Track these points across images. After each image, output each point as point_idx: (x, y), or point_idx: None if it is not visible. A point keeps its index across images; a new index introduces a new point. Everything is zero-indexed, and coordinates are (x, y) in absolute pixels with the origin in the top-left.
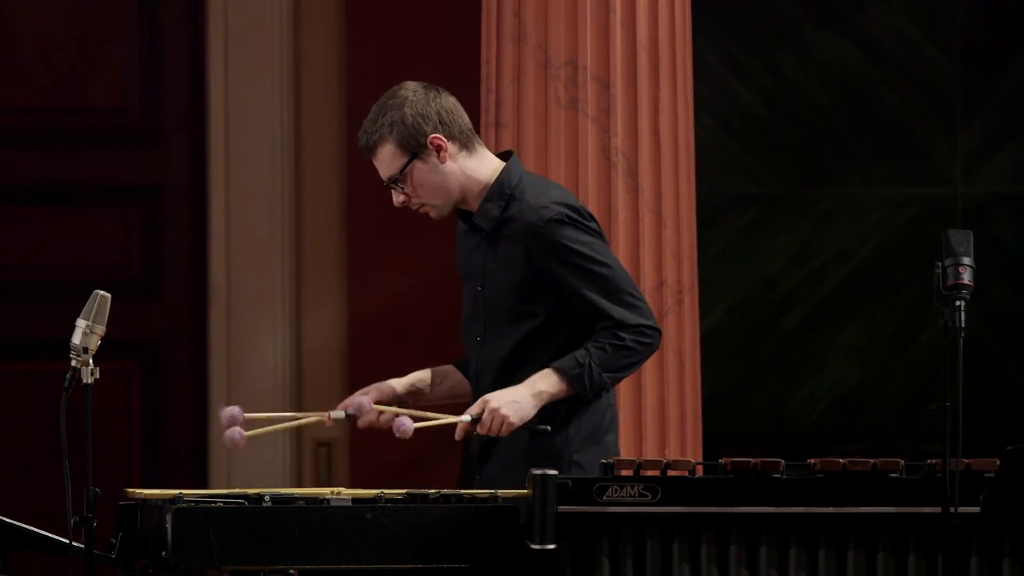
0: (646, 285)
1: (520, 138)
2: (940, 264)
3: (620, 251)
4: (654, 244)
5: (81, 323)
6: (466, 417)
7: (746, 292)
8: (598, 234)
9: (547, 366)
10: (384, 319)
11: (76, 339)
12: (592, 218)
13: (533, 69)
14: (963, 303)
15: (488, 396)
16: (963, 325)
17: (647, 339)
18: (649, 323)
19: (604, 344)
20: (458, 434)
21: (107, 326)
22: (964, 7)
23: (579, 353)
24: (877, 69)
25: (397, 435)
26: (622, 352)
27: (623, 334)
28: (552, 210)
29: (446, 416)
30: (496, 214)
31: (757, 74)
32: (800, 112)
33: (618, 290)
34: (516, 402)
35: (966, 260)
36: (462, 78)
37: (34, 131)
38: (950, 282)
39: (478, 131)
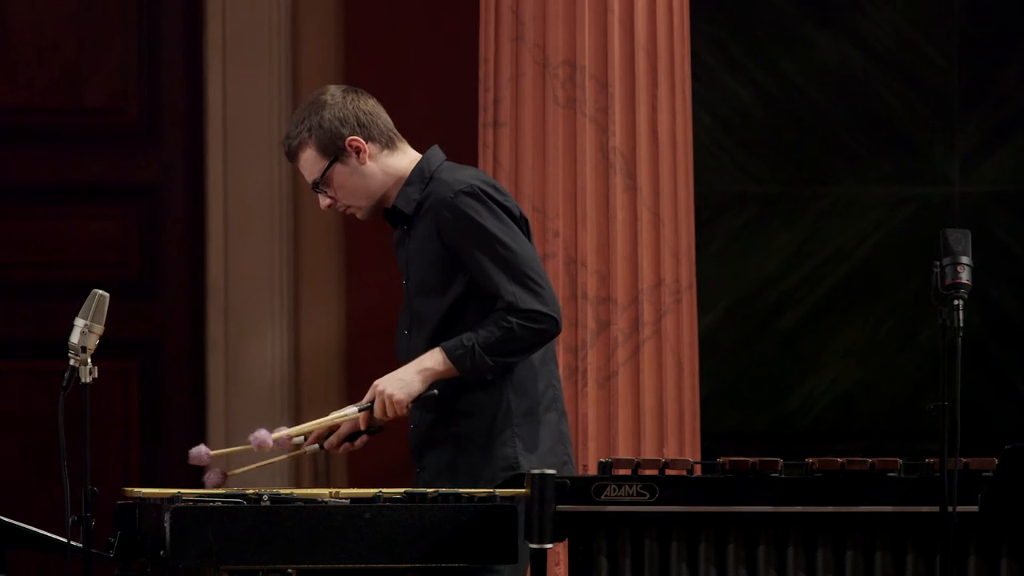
0: (644, 284)
1: (518, 137)
2: (938, 263)
3: (618, 250)
4: (652, 243)
5: (79, 322)
6: (353, 409)
7: (744, 291)
8: (509, 212)
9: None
10: (382, 319)
11: (74, 338)
12: (507, 197)
13: (531, 68)
14: (961, 302)
15: (377, 381)
16: (961, 324)
17: (536, 324)
18: (542, 309)
19: (492, 327)
20: (362, 423)
21: (105, 325)
22: (962, 7)
23: (467, 334)
24: (875, 68)
25: (255, 449)
26: (508, 336)
27: (511, 318)
28: (464, 184)
29: (335, 413)
30: (417, 196)
31: (755, 73)
32: (798, 111)
33: (518, 271)
34: (401, 380)
35: (964, 259)
36: (460, 77)
37: (32, 130)
38: (948, 281)
39: (476, 130)
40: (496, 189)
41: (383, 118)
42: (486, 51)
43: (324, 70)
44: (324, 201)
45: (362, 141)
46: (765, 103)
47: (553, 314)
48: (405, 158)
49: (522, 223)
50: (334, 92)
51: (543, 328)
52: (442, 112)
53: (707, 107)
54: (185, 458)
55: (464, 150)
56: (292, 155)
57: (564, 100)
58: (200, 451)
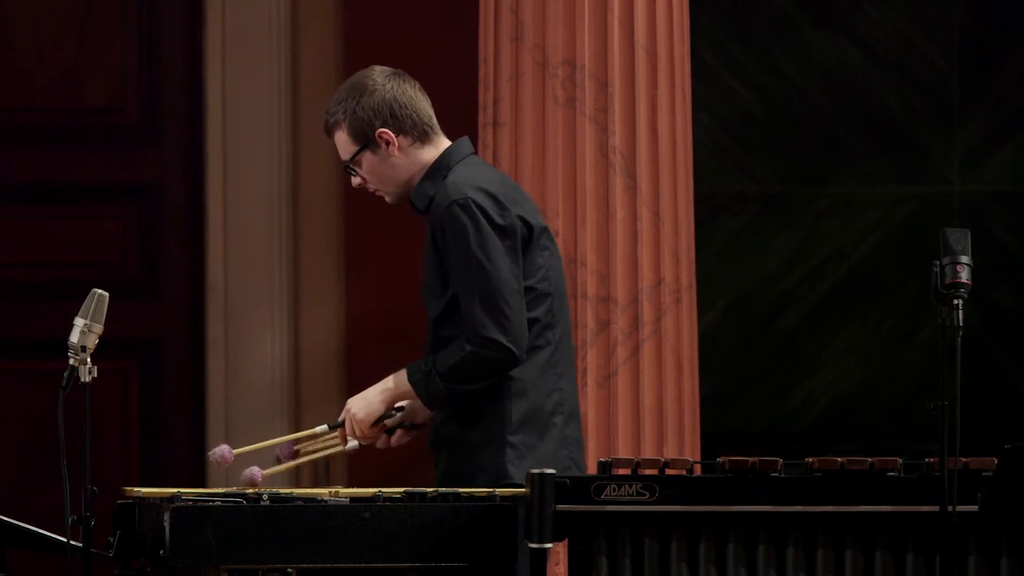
0: (644, 284)
1: (518, 137)
2: (938, 263)
3: (618, 250)
4: (652, 243)
5: (79, 322)
6: (323, 427)
7: (744, 291)
8: (501, 231)
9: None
10: (382, 318)
11: (74, 338)
12: (506, 213)
13: (531, 68)
14: (961, 302)
15: (350, 399)
16: (961, 324)
17: (491, 353)
18: (500, 339)
19: (452, 351)
20: (341, 440)
21: (105, 325)
22: (962, 6)
23: (428, 358)
24: (875, 68)
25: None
26: (461, 363)
27: (468, 345)
28: (461, 193)
29: (311, 430)
30: (431, 192)
31: (755, 73)
32: (798, 111)
33: (488, 296)
34: (364, 399)
35: (964, 259)
36: (460, 77)
37: (32, 130)
38: (948, 281)
39: (475, 130)
40: (496, 202)
41: (421, 108)
42: (486, 51)
43: (324, 70)
44: (354, 181)
45: (392, 135)
46: (765, 103)
47: (511, 346)
48: (435, 150)
49: (520, 237)
50: (376, 78)
51: (497, 358)
52: (442, 112)
53: (707, 107)
54: (184, 457)
55: None
56: (328, 132)
57: (564, 100)
58: (222, 451)
